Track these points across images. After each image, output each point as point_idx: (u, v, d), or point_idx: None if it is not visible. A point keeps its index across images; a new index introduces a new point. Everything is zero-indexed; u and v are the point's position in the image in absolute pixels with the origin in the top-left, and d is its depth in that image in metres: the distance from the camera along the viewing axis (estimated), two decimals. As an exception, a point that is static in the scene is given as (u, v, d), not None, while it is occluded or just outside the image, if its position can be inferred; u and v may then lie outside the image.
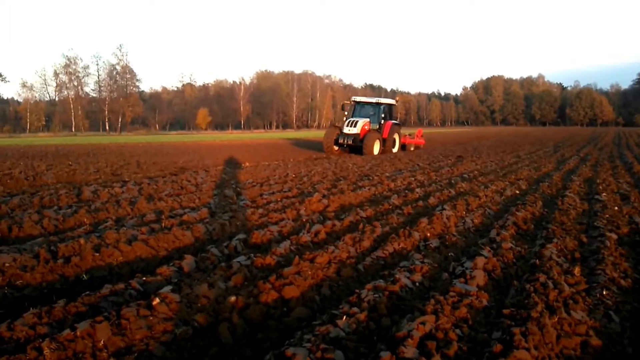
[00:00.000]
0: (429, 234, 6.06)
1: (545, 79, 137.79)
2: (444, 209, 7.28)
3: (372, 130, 21.86)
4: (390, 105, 23.58)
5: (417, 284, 4.25)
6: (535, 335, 3.02)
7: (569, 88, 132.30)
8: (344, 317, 3.33)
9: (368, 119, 22.16)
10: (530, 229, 6.59)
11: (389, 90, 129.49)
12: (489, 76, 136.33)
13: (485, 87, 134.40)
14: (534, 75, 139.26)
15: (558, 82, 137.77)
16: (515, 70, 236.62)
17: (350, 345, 3.02)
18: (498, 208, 8.13)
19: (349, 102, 23.97)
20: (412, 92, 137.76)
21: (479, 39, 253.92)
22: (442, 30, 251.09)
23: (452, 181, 11.29)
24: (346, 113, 23.75)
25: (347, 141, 21.18)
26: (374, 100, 23.48)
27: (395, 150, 23.46)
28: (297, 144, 30.89)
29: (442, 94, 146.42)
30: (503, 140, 38.86)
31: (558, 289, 3.90)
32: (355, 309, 3.46)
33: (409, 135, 26.67)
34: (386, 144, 22.39)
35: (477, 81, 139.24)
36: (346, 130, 21.51)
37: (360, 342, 3.13)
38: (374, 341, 3.19)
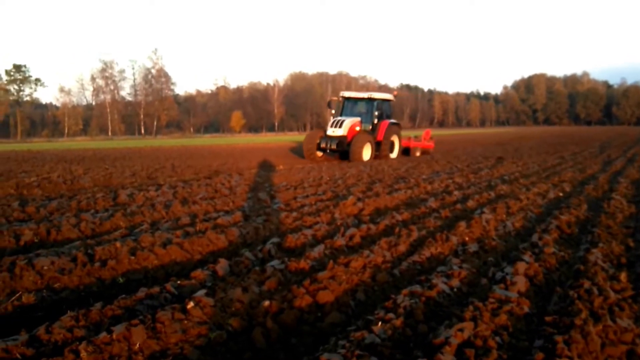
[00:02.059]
0: (467, 238, 5.97)
1: (590, 77, 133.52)
2: (483, 212, 7.16)
3: (362, 131, 18.79)
4: (385, 101, 20.37)
5: (455, 289, 4.18)
6: (579, 344, 2.93)
7: (615, 86, 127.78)
8: (379, 322, 3.32)
9: (359, 118, 19.16)
10: (574, 233, 6.39)
11: (425, 90, 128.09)
12: (531, 74, 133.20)
13: (526, 86, 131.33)
14: (578, 72, 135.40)
15: (603, 80, 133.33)
16: (559, 67, 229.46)
17: (386, 351, 3.00)
18: (540, 211, 7.92)
19: (336, 98, 20.73)
20: (450, 91, 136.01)
21: (520, 36, 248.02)
22: (481, 28, 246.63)
23: (492, 183, 11.08)
24: (333, 112, 20.39)
25: (330, 145, 18.11)
26: (365, 95, 20.09)
27: (393, 155, 20.17)
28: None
29: (482, 94, 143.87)
30: (546, 140, 37.84)
31: (603, 295, 3.78)
32: (390, 315, 3.44)
33: (415, 137, 23.51)
34: (381, 147, 19.15)
35: (518, 80, 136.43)
36: (330, 131, 18.42)
37: (396, 348, 3.10)
38: (410, 348, 3.16)
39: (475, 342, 3.02)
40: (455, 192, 9.58)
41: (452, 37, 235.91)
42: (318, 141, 18.69)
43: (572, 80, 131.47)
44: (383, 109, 19.95)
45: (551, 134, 52.16)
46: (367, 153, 18.33)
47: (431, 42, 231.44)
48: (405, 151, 21.96)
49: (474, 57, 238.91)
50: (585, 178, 12.31)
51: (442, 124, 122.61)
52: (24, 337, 3.04)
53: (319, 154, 18.86)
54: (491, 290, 3.99)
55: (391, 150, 20.06)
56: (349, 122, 18.50)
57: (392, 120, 20.33)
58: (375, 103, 19.51)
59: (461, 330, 3.11)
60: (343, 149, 18.19)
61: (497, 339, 3.10)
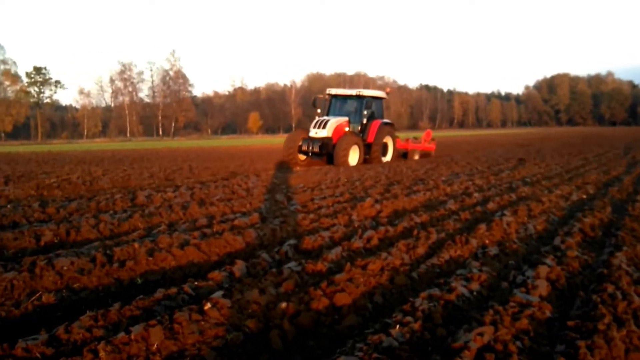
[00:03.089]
0: (487, 241, 5.91)
1: (615, 76, 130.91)
2: (504, 215, 7.09)
3: (349, 132, 17.18)
4: (377, 98, 18.64)
5: (475, 293, 4.15)
6: (602, 349, 2.89)
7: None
8: (397, 326, 3.31)
9: (346, 118, 17.63)
10: (597, 236, 6.30)
11: (445, 90, 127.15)
12: (554, 74, 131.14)
13: (549, 86, 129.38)
14: (603, 72, 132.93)
15: (629, 79, 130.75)
16: (582, 67, 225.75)
17: (404, 355, 2.99)
18: (563, 214, 7.81)
19: (322, 95, 18.82)
20: (471, 92, 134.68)
21: (542, 35, 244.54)
22: (502, 27, 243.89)
23: (513, 185, 10.96)
24: (319, 111, 18.54)
25: (312, 148, 16.61)
26: (354, 92, 18.11)
27: (387, 159, 18.56)
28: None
29: (503, 94, 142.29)
30: (569, 141, 37.26)
31: (627, 300, 3.72)
32: (409, 318, 3.43)
33: (414, 139, 22.00)
34: (372, 150, 17.60)
35: (540, 80, 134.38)
36: (312, 132, 16.92)
37: (414, 352, 3.09)
38: (428, 352, 3.15)
39: (495, 346, 3.00)
40: (476, 194, 9.51)
41: (472, 36, 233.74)
42: (300, 143, 17.27)
43: (596, 80, 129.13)
44: (375, 108, 18.40)
45: (574, 135, 51.34)
46: (354, 157, 16.86)
47: (451, 42, 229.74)
48: (405, 155, 20.82)
49: (495, 56, 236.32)
50: (610, 180, 12.09)
51: (462, 125, 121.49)
52: (43, 337, 3.11)
53: (302, 157, 17.35)
54: (512, 294, 3.95)
55: (384, 154, 18.46)
56: (334, 122, 17.06)
57: (385, 120, 18.76)
58: (364, 101, 17.84)
59: (481, 334, 3.09)
60: (327, 152, 16.71)
61: (518, 343, 3.07)
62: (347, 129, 17.43)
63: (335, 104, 18.63)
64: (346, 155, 16.39)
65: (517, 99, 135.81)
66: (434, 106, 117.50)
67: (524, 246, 5.79)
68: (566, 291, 4.30)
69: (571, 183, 11.22)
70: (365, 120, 17.80)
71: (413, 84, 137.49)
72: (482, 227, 6.33)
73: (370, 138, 17.63)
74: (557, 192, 9.55)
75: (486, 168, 15.46)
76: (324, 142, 16.67)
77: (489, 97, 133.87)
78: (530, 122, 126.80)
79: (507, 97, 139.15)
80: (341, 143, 16.36)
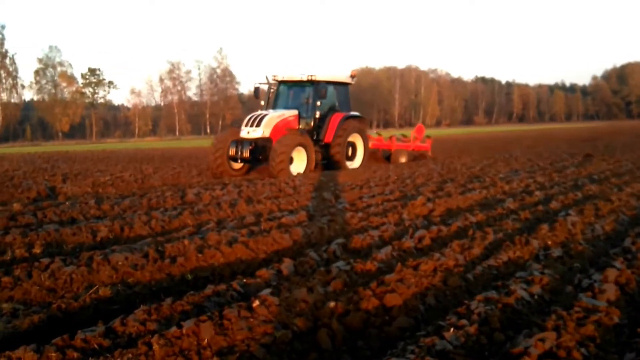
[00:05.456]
0: (550, 242, 5.73)
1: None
2: (569, 214, 6.85)
3: (294, 131, 13.33)
4: (338, 84, 14.70)
5: (536, 296, 4.04)
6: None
7: None
8: (452, 329, 3.27)
9: (295, 112, 13.91)
10: (674, 238, 5.96)
11: (503, 82, 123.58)
12: (624, 63, 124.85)
13: (619, 76, 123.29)
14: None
15: None
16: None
17: (459, 359, 2.96)
18: (634, 213, 7.46)
19: (266, 82, 14.82)
20: (531, 83, 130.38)
21: (611, 21, 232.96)
22: (566, 12, 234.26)
23: (579, 183, 10.55)
24: (262, 103, 14.98)
25: (242, 152, 12.96)
26: (304, 77, 14.02)
27: (354, 164, 14.78)
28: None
29: (567, 85, 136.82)
30: (642, 135, 35.33)
31: None
32: (464, 321, 3.39)
33: (402, 136, 18.19)
34: (331, 152, 14.03)
35: (609, 69, 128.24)
36: (244, 132, 13.28)
37: (469, 356, 3.05)
38: (485, 357, 3.10)
39: (558, 352, 2.91)
40: (537, 192, 9.23)
41: (533, 23, 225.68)
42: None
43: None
44: (337, 97, 14.70)
45: (648, 129, 48.70)
46: (298, 163, 13.12)
47: (509, 29, 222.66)
48: (390, 157, 17.22)
49: (558, 44, 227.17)
50: (689, 177, 11.41)
51: (521, 119, 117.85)
52: (100, 329, 3.30)
53: (237, 165, 13.63)
54: (577, 298, 3.82)
55: (350, 157, 14.80)
56: (273, 117, 13.34)
57: (352, 113, 14.89)
58: (318, 87, 13.65)
59: (542, 340, 3.01)
60: (264, 157, 12.91)
61: (583, 350, 2.97)
62: (292, 123, 13.67)
63: (284, 94, 14.88)
64: (284, 162, 12.48)
65: (584, 91, 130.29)
66: (490, 99, 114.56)
67: (590, 248, 5.58)
68: (636, 296, 4.12)
69: (644, 181, 10.68)
70: (318, 114, 14.01)
71: (468, 76, 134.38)
72: (544, 227, 6.15)
73: (327, 137, 13.94)
74: (627, 190, 9.12)
75: (549, 164, 14.96)
76: (259, 145, 12.96)
77: (552, 89, 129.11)
78: (598, 115, 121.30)
79: (572, 88, 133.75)
80: (278, 146, 12.53)
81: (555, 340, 3.02)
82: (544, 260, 5.03)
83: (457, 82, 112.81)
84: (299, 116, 13.96)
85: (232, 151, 13.20)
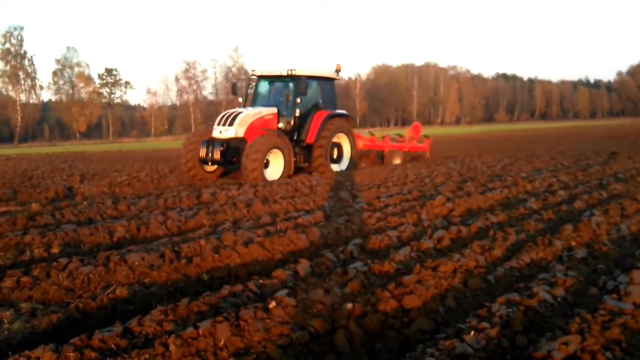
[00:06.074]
0: (574, 243, 5.66)
1: None
2: (593, 214, 6.74)
3: (271, 132, 12.28)
4: (322, 80, 13.71)
5: (559, 299, 3.99)
6: None
7: None
8: (472, 332, 3.25)
9: (274, 110, 12.90)
10: None
11: (525, 79, 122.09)
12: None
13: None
14: None
15: None
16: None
17: (479, 362, 2.93)
18: (663, 213, 7.29)
19: (245, 78, 13.33)
20: (554, 80, 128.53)
21: (636, 14, 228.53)
22: (589, 6, 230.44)
23: (604, 182, 10.38)
24: (240, 100, 14.44)
25: (212, 153, 12.05)
26: (284, 71, 13.03)
27: (341, 166, 13.92)
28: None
29: (592, 81, 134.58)
30: (670, 132, 34.61)
31: None
32: (484, 324, 3.35)
33: (397, 136, 17.37)
34: (313, 155, 13.04)
35: (635, 65, 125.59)
36: (216, 132, 12.32)
37: (490, 360, 3.02)
38: (506, 360, 3.07)
39: (582, 356, 2.88)
40: (560, 192, 9.10)
41: (555, 18, 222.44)
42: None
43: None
44: (320, 94, 13.61)
45: (677, 126, 47.67)
46: (275, 167, 12.16)
47: (531, 25, 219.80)
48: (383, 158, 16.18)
49: (582, 39, 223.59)
50: None
51: (544, 116, 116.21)
52: (118, 329, 3.35)
53: (210, 168, 12.70)
54: (602, 300, 3.76)
55: (335, 159, 13.85)
56: (249, 115, 12.37)
57: (338, 111, 13.98)
58: (298, 83, 12.74)
59: (566, 343, 2.97)
60: (237, 159, 12.07)
61: (608, 354, 2.92)
62: (280, 125, 12.81)
63: (263, 90, 13.94)
64: (257, 166, 11.44)
65: (608, 87, 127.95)
66: (512, 96, 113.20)
67: (615, 249, 5.49)
68: (665, 299, 4.03)
69: (672, 179, 10.46)
70: (298, 112, 12.96)
71: (488, 72, 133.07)
72: (568, 227, 6.06)
73: (309, 137, 12.92)
74: (655, 190, 8.95)
75: (572, 163, 14.73)
76: (231, 145, 12.11)
77: (576, 85, 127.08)
78: (624, 112, 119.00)
79: (597, 84, 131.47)
80: (251, 148, 11.50)
81: (579, 344, 2.98)
82: (568, 261, 4.96)
83: (478, 79, 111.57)
84: (279, 114, 12.92)
85: (202, 152, 12.23)
